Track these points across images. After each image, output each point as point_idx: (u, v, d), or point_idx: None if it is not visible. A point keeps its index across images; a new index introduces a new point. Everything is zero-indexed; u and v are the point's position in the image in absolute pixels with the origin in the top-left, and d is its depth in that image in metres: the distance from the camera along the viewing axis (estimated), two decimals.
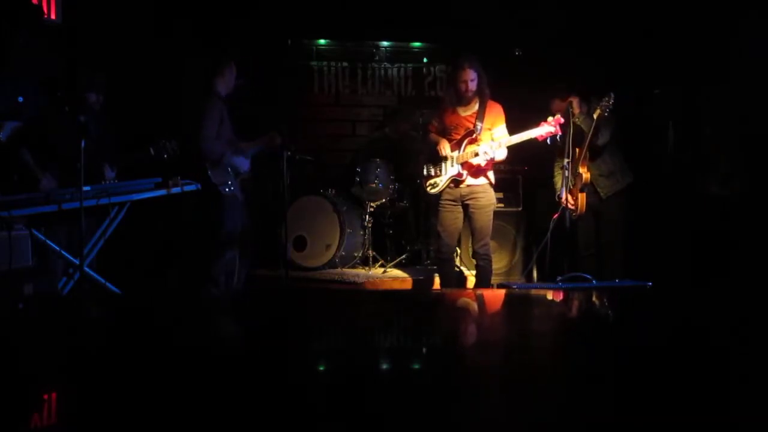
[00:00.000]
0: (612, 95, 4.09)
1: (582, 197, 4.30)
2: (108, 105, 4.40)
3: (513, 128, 4.13)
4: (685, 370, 1.30)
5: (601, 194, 4.42)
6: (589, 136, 4.23)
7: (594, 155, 4.36)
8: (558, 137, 4.09)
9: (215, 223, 4.14)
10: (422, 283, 4.93)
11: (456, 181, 4.17)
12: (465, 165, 4.14)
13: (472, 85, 4.11)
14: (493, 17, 5.34)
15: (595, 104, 4.22)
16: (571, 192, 4.36)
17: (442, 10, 5.43)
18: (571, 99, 4.38)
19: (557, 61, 4.94)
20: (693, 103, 4.52)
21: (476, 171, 4.15)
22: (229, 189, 4.11)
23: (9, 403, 1.10)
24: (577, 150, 4.35)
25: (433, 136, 4.32)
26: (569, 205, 4.34)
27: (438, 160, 4.24)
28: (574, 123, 4.30)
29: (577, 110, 4.38)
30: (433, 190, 4.27)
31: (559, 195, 4.42)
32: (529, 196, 5.27)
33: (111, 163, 4.02)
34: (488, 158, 4.05)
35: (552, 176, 4.68)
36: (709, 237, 4.31)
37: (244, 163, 4.23)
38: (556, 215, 4.30)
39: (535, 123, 4.04)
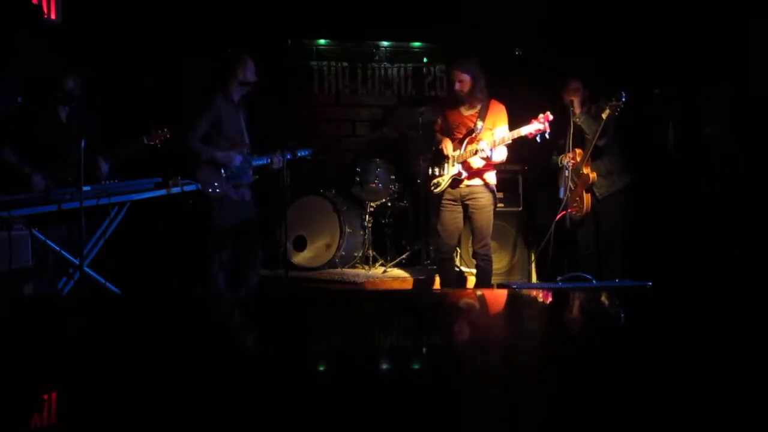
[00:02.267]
0: (623, 95, 4.02)
1: (587, 197, 4.30)
2: (108, 104, 4.40)
3: (513, 128, 4.12)
4: (685, 370, 1.30)
5: (597, 194, 4.41)
6: (597, 135, 4.19)
7: (595, 155, 4.35)
8: (548, 133, 4.05)
9: (208, 222, 4.14)
10: (422, 283, 4.93)
11: (456, 180, 4.18)
12: (465, 164, 4.15)
13: (462, 87, 4.13)
14: (493, 17, 5.34)
15: (603, 104, 4.17)
16: (573, 192, 4.35)
17: (442, 10, 5.43)
18: (572, 98, 4.38)
19: (557, 61, 4.94)
20: (693, 103, 4.52)
21: (476, 171, 4.16)
22: (213, 189, 4.07)
23: (9, 404, 1.10)
24: (578, 150, 4.34)
25: (438, 135, 4.36)
26: (572, 207, 4.33)
27: (441, 159, 4.26)
28: (574, 123, 4.29)
29: (578, 110, 4.37)
30: (436, 190, 4.29)
31: (560, 196, 4.41)
32: (529, 196, 5.26)
33: (104, 156, 3.99)
34: (484, 155, 4.03)
35: (554, 174, 4.65)
36: (709, 237, 4.31)
37: (232, 159, 4.14)
38: (558, 217, 4.29)
39: (528, 121, 4.03)
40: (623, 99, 4.02)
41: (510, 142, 4.05)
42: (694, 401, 1.10)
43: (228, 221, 4.16)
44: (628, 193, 4.48)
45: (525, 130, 3.99)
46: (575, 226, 4.42)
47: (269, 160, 4.24)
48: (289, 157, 4.32)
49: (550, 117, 3.98)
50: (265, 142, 4.35)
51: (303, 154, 4.47)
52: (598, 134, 4.17)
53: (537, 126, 3.97)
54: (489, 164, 4.15)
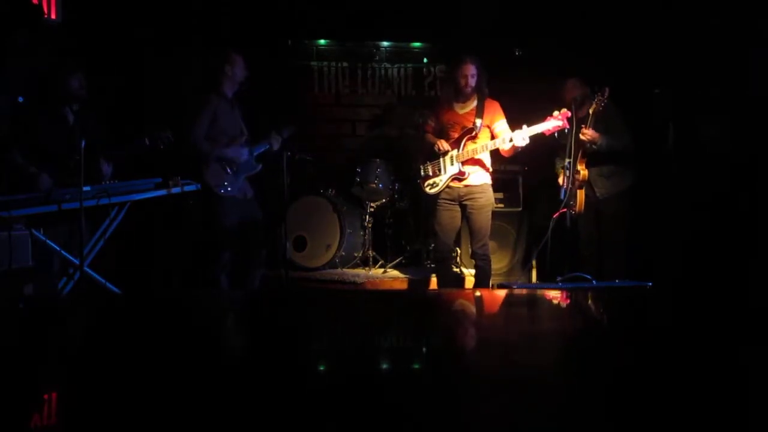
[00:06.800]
0: (606, 89, 4.07)
1: (580, 195, 4.30)
2: (108, 105, 4.40)
3: (513, 128, 4.12)
4: (684, 371, 1.30)
5: (598, 194, 4.42)
6: (586, 130, 4.22)
7: (595, 155, 4.34)
8: (557, 133, 4.08)
9: (212, 223, 4.15)
10: (421, 284, 4.93)
11: (457, 179, 4.17)
12: (466, 163, 4.14)
13: (473, 81, 4.12)
14: (493, 17, 5.34)
15: (590, 100, 4.23)
16: (570, 191, 4.36)
17: (442, 10, 5.43)
18: (573, 96, 4.39)
19: (557, 61, 4.94)
20: (693, 103, 4.52)
21: (477, 169, 4.15)
22: (225, 190, 4.10)
23: (9, 404, 1.10)
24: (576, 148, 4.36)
25: (430, 136, 4.32)
26: (570, 206, 4.33)
27: (436, 159, 4.24)
28: (575, 122, 4.29)
29: (578, 108, 4.38)
30: (432, 190, 4.26)
31: (560, 198, 4.41)
32: (529, 196, 5.26)
33: (107, 158, 3.99)
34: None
35: (555, 175, 4.67)
36: (710, 237, 4.31)
37: (240, 153, 4.19)
38: (557, 214, 4.30)
39: (535, 122, 4.04)
40: (607, 93, 4.08)
41: (528, 139, 4.01)
42: (694, 402, 1.10)
43: (231, 220, 4.17)
44: (630, 194, 4.48)
45: (543, 127, 4.00)
46: (575, 225, 4.43)
47: (268, 145, 4.30)
48: (285, 135, 4.37)
49: (569, 113, 4.01)
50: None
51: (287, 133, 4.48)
52: (590, 127, 4.19)
53: (555, 123, 3.99)
54: (485, 165, 4.16)
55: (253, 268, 4.33)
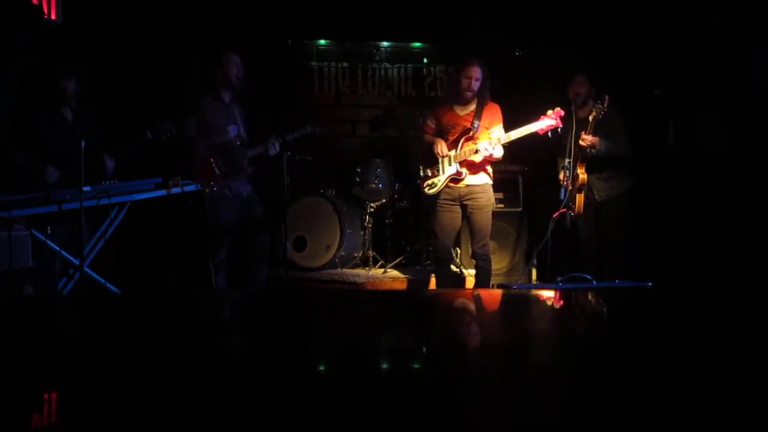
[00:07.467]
0: (606, 97, 4.09)
1: (580, 198, 4.31)
2: (107, 105, 4.40)
3: (508, 128, 4.12)
4: (684, 371, 1.30)
5: (597, 197, 4.42)
6: (584, 137, 4.23)
7: (594, 160, 4.34)
8: (560, 129, 4.08)
9: (205, 222, 4.16)
10: (421, 284, 4.93)
11: (455, 180, 4.17)
12: (463, 163, 4.14)
13: (476, 84, 4.12)
14: (493, 17, 5.34)
15: (591, 106, 4.23)
16: (569, 192, 4.36)
17: (442, 10, 5.43)
18: (578, 93, 4.40)
19: (557, 61, 4.94)
20: (693, 103, 4.52)
21: (475, 170, 4.15)
22: (210, 189, 4.09)
23: (9, 403, 1.10)
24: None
25: (429, 136, 4.32)
26: (570, 207, 4.34)
27: (434, 160, 4.24)
28: (575, 123, 4.30)
29: (581, 106, 4.39)
30: (431, 191, 4.26)
31: (561, 197, 4.41)
32: (529, 196, 5.26)
33: (109, 154, 3.99)
34: (487, 155, 4.05)
35: (556, 175, 4.66)
36: (709, 237, 4.31)
37: (230, 131, 4.19)
38: (556, 214, 4.30)
39: (535, 119, 4.05)
40: (607, 102, 4.10)
41: (518, 138, 4.04)
42: (694, 402, 1.10)
43: (224, 219, 4.18)
44: (628, 196, 4.48)
45: (536, 126, 4.00)
46: (574, 225, 4.43)
47: (264, 148, 4.26)
48: (288, 138, 4.33)
49: (562, 112, 4.01)
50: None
51: (292, 137, 4.45)
52: (584, 134, 4.20)
53: (549, 122, 3.99)
54: (486, 162, 4.16)
55: (256, 267, 4.32)
